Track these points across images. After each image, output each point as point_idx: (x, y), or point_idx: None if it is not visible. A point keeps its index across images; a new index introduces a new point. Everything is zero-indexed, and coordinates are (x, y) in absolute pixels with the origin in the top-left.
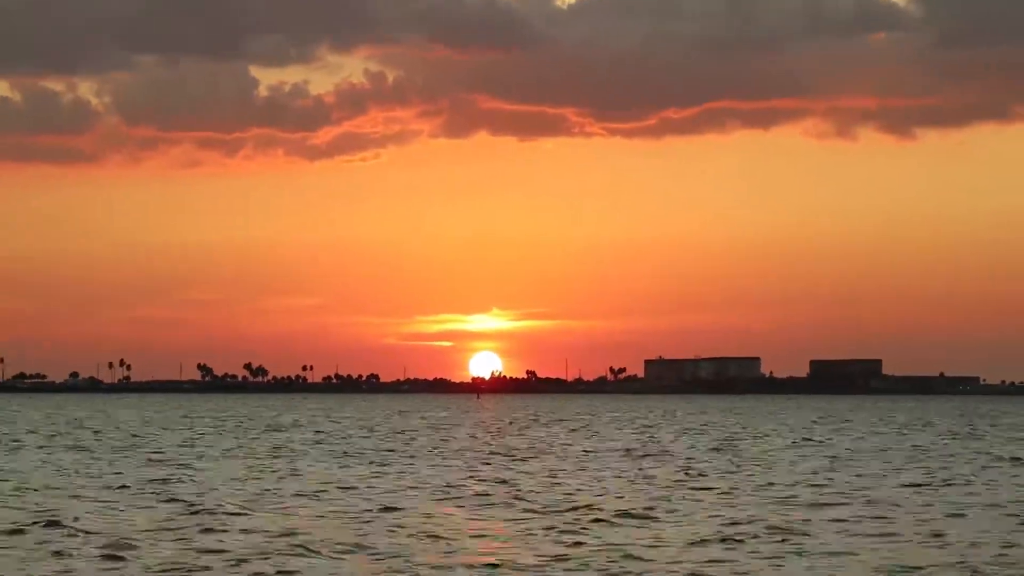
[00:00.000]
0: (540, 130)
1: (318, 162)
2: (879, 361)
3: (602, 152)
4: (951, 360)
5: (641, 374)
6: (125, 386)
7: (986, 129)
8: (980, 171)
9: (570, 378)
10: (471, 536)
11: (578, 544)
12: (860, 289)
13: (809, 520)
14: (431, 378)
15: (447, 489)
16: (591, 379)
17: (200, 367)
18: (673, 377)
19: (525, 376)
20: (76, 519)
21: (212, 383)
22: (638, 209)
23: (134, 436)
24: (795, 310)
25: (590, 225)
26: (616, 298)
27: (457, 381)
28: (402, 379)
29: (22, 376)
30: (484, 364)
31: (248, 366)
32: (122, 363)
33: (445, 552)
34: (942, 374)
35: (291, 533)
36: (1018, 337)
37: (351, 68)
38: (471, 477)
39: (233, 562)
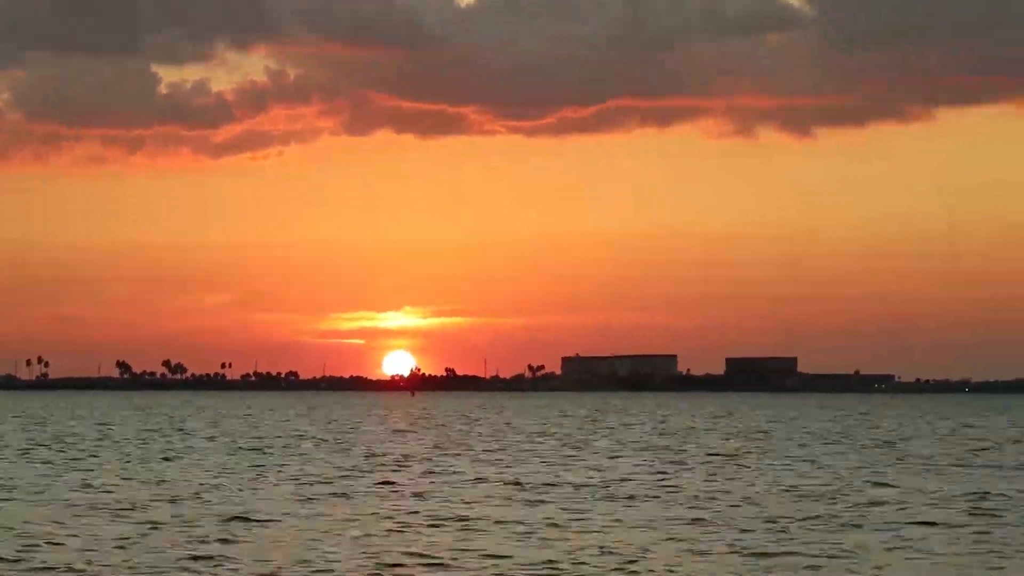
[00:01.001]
0: (441, 128)
1: (222, 159)
2: (794, 359)
3: (504, 150)
4: (866, 359)
5: (559, 372)
6: (43, 383)
7: (885, 128)
8: (883, 170)
9: (488, 376)
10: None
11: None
12: (776, 288)
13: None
14: (347, 376)
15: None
16: (508, 377)
17: (119, 364)
18: (590, 375)
19: (444, 374)
20: None
21: (131, 380)
22: (545, 207)
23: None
24: (712, 308)
25: (498, 223)
26: (529, 296)
27: (373, 379)
28: (319, 376)
29: None
30: (400, 362)
31: (167, 363)
32: (40, 360)
33: None
34: (857, 372)
35: None
36: (931, 336)
37: (251, 66)
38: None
39: None
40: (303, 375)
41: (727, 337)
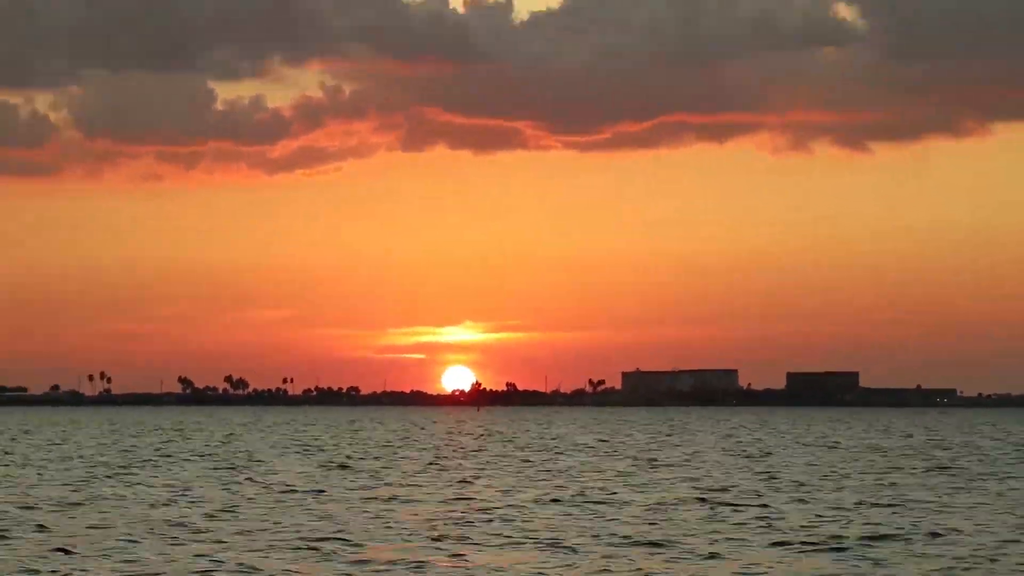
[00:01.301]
0: (496, 144)
1: (277, 175)
2: (856, 374)
3: (560, 165)
4: (928, 373)
5: (619, 387)
6: (106, 399)
7: (940, 143)
8: (938, 185)
9: (548, 391)
10: None
11: None
12: (837, 302)
13: None
14: (407, 390)
15: None
16: (569, 392)
17: (181, 380)
18: (651, 389)
19: (505, 388)
20: None
21: (193, 396)
22: (601, 223)
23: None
24: (773, 323)
25: (555, 238)
26: (590, 311)
27: (433, 393)
28: (380, 391)
29: (3, 389)
30: (460, 376)
31: (229, 378)
32: (103, 376)
33: None
34: (919, 387)
35: None
36: (994, 350)
37: (306, 81)
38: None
39: None
40: (363, 390)
41: (788, 352)
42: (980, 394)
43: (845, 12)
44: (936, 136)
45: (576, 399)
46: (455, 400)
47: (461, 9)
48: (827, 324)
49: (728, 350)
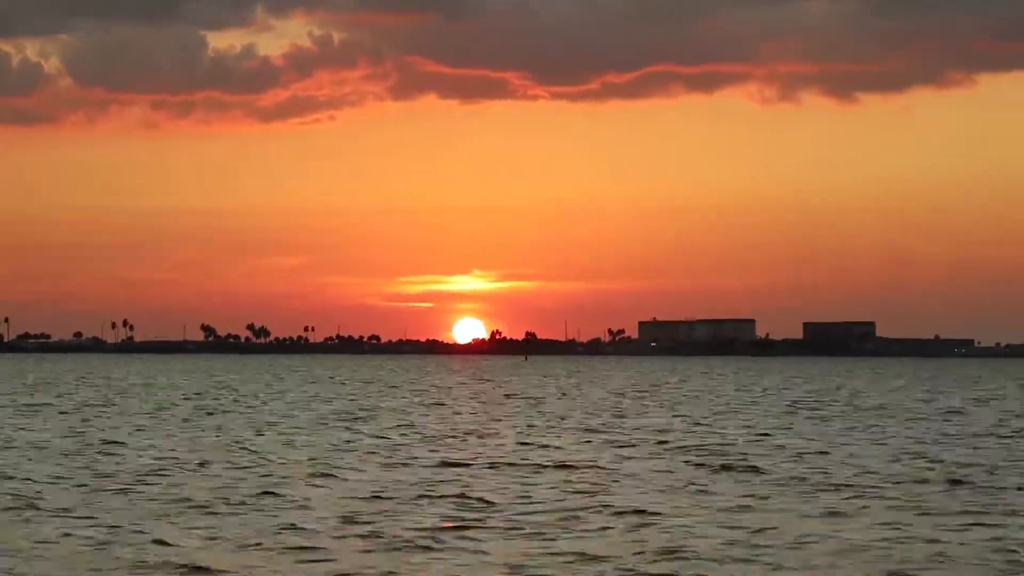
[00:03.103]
0: (484, 93)
1: (272, 123)
2: (873, 324)
3: (551, 115)
4: (946, 322)
5: (635, 336)
6: (128, 346)
7: (926, 93)
8: (939, 135)
9: (565, 339)
10: None
11: None
12: (854, 251)
13: None
14: (423, 339)
15: None
16: (586, 341)
17: (203, 328)
18: (667, 339)
19: (524, 337)
20: None
21: (215, 343)
22: (601, 172)
23: None
24: (789, 272)
25: (555, 188)
26: (599, 260)
27: (449, 342)
28: (401, 340)
29: (27, 336)
30: (472, 326)
31: (251, 327)
32: (125, 323)
33: None
34: (937, 336)
35: None
36: (1013, 300)
37: (294, 31)
38: None
39: None
40: (381, 338)
41: (805, 301)
42: (998, 344)
43: None
44: (922, 87)
45: (593, 349)
46: (477, 349)
47: None
48: (845, 273)
49: (746, 300)
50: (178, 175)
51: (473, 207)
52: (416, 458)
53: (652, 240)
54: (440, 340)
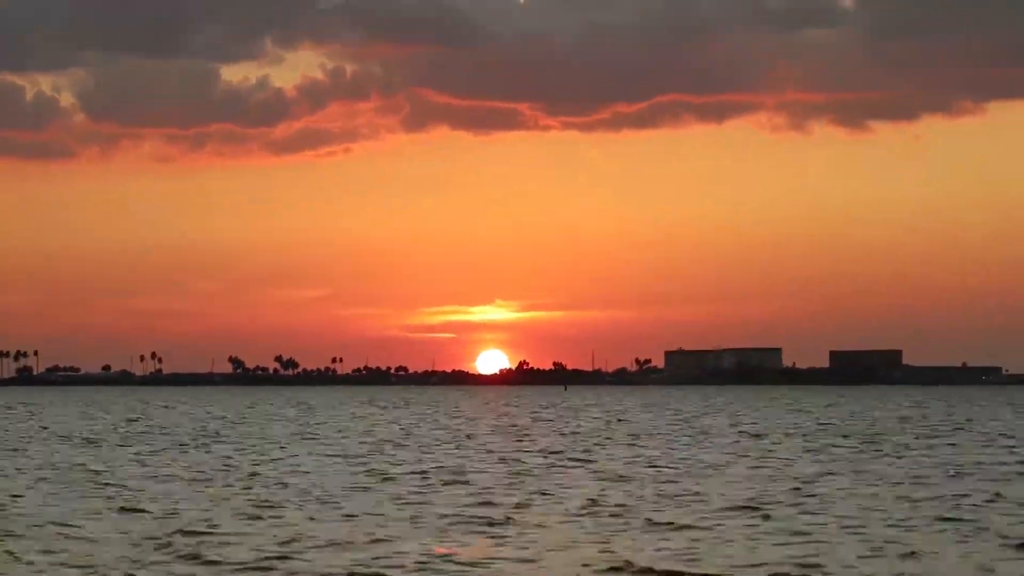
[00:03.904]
0: (497, 124)
1: (285, 156)
2: (899, 352)
3: (563, 145)
4: (973, 350)
5: (661, 365)
6: (157, 378)
7: (936, 122)
8: (951, 162)
9: (592, 369)
10: None
11: None
12: (878, 279)
13: None
14: (449, 370)
15: None
16: (612, 371)
17: (232, 360)
18: (694, 368)
19: (552, 367)
20: None
21: (243, 375)
22: (614, 202)
23: None
24: (815, 301)
25: (572, 218)
26: (623, 289)
27: (474, 372)
28: (428, 371)
29: (56, 368)
30: (496, 356)
31: (279, 358)
32: (153, 355)
33: None
34: (964, 364)
35: None
36: None
37: (303, 64)
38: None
39: None
40: (407, 370)
41: (831, 329)
42: None
43: None
44: (931, 114)
45: (620, 378)
46: (504, 379)
47: None
48: (871, 301)
49: (772, 328)
50: (195, 208)
51: (491, 238)
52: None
53: (671, 269)
54: (465, 371)
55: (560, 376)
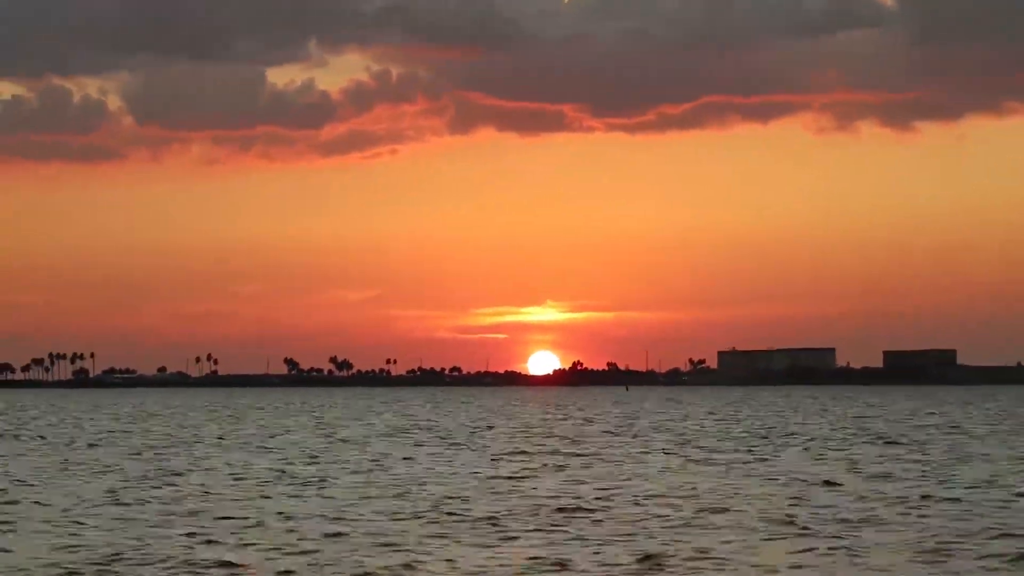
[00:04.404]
0: (542, 126)
1: (332, 158)
2: (954, 351)
3: (609, 146)
4: None
5: (715, 365)
6: (213, 380)
7: (981, 122)
8: (996, 162)
9: (645, 370)
10: None
11: None
12: (931, 279)
13: None
14: (501, 371)
15: None
16: (664, 371)
17: (287, 361)
18: (747, 368)
19: (606, 367)
20: None
21: (298, 376)
22: (662, 202)
23: None
24: (869, 300)
25: (623, 220)
26: (674, 289)
27: (527, 373)
28: (481, 371)
29: (112, 371)
30: (550, 357)
31: (334, 359)
32: (209, 357)
33: None
34: (1019, 363)
35: None
36: None
37: (352, 66)
38: None
39: None
40: (460, 370)
41: (885, 329)
42: None
43: None
44: (977, 115)
45: (672, 379)
46: (559, 380)
47: None
48: (924, 301)
49: (826, 328)
50: (243, 210)
51: (540, 238)
52: None
53: (722, 270)
54: (517, 371)
55: (614, 376)
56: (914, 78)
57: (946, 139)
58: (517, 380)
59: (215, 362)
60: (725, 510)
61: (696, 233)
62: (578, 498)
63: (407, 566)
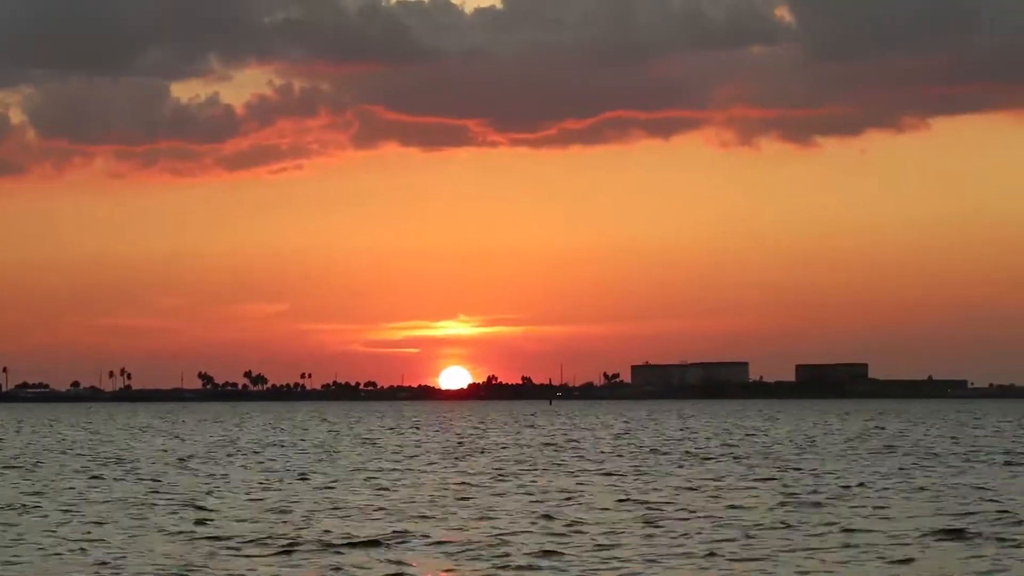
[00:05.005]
0: (445, 141)
1: (238, 172)
2: (865, 365)
3: (512, 161)
4: (939, 364)
5: (629, 379)
6: (126, 394)
7: (882, 137)
8: (902, 177)
9: (559, 384)
10: None
11: None
12: (843, 293)
13: None
14: (415, 385)
15: None
16: (579, 385)
17: (201, 375)
18: (661, 382)
19: (520, 383)
20: None
21: (213, 391)
22: (569, 217)
23: None
24: (781, 315)
25: (528, 233)
26: (585, 304)
27: (442, 388)
28: (396, 386)
29: (25, 385)
30: (463, 371)
31: (248, 374)
32: (123, 372)
33: None
34: (930, 377)
35: None
36: (1006, 340)
37: (254, 81)
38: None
39: None
40: (376, 385)
41: (798, 343)
42: (991, 384)
43: (772, 9)
44: (877, 130)
45: (586, 393)
46: (473, 394)
47: (394, 6)
48: (836, 315)
49: (739, 343)
50: (152, 223)
51: (448, 253)
52: None
53: (632, 284)
54: (432, 386)
55: (528, 391)
56: (814, 94)
57: (848, 152)
58: (432, 395)
59: (128, 376)
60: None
61: (603, 247)
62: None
63: None
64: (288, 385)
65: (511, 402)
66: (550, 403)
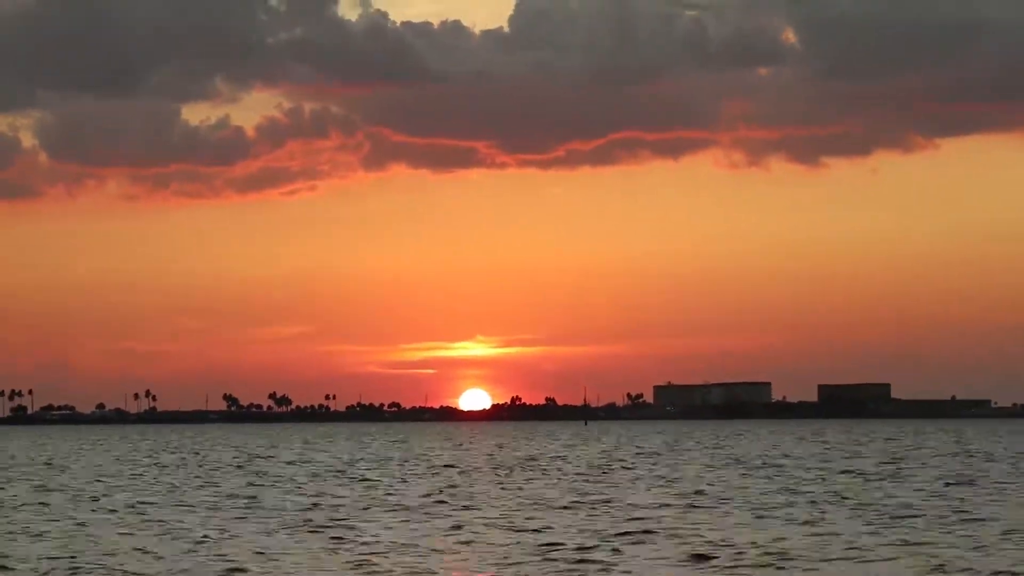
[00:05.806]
0: (455, 162)
1: (250, 194)
2: (888, 385)
3: (522, 182)
4: (962, 383)
5: (651, 400)
6: (151, 416)
7: (890, 157)
8: (914, 196)
9: (581, 404)
10: None
11: None
12: (866, 313)
13: None
14: (436, 406)
15: None
16: (602, 405)
17: (226, 397)
18: (683, 403)
19: (544, 403)
20: None
21: (238, 413)
22: (581, 237)
23: None
24: (804, 335)
25: (539, 254)
26: (604, 324)
27: (464, 409)
28: (420, 406)
29: (50, 408)
30: (483, 392)
31: (273, 395)
32: (148, 394)
33: None
34: (953, 397)
35: None
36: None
37: (264, 103)
38: None
39: None
40: (400, 406)
41: (821, 363)
42: (1015, 404)
43: (777, 30)
44: (886, 150)
45: (610, 413)
46: (496, 415)
47: (400, 28)
48: (859, 335)
49: (762, 363)
50: (166, 246)
51: (465, 273)
52: None
53: (651, 303)
54: (453, 407)
55: (552, 412)
56: (822, 114)
57: (858, 172)
58: (453, 415)
59: (153, 399)
60: None
61: (619, 267)
62: None
63: None
64: (313, 406)
65: (538, 423)
66: (585, 424)
